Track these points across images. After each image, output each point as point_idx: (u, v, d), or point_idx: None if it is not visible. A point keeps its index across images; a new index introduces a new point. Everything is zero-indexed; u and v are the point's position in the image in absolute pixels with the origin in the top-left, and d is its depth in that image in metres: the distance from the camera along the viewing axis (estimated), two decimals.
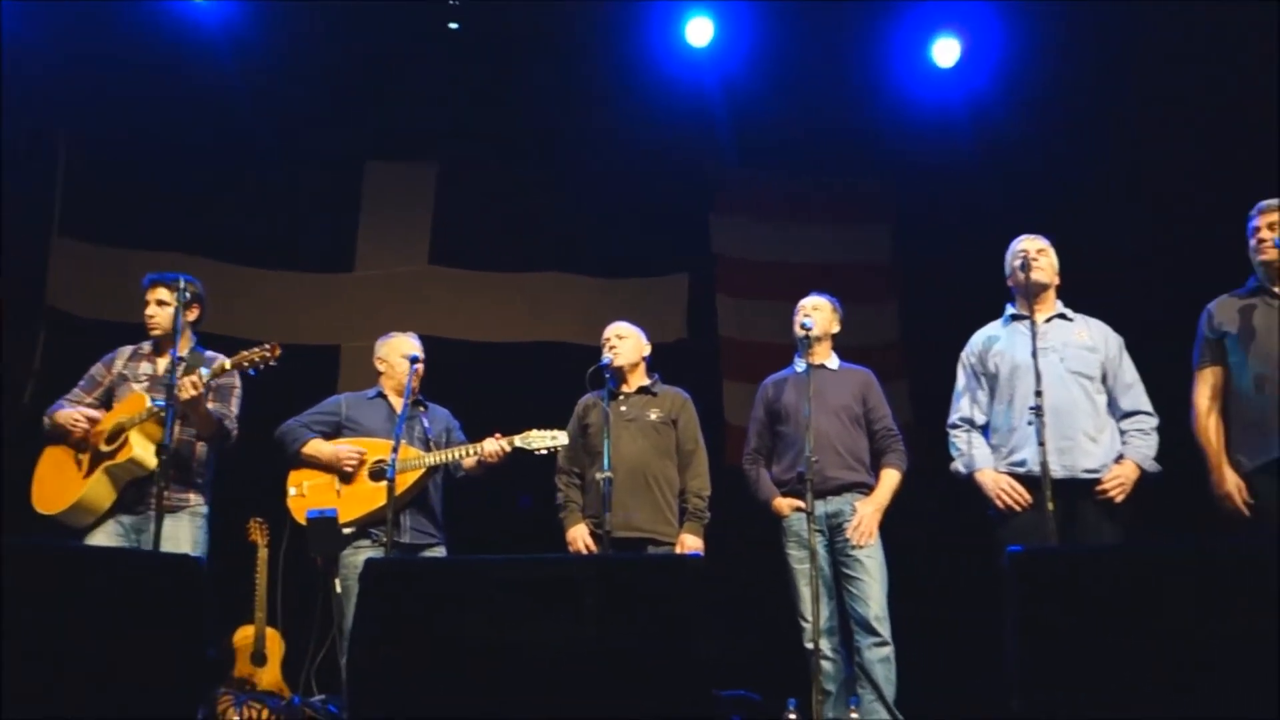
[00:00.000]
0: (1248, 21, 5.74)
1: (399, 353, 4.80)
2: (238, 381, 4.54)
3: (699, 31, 6.46)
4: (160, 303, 4.47)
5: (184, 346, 4.39)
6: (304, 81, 6.59)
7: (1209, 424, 4.14)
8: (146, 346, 4.58)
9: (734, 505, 4.92)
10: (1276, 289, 4.07)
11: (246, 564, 5.64)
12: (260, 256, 6.83)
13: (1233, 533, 4.03)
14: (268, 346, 4.30)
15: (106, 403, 4.48)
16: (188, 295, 4.35)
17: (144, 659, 2.55)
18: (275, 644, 5.62)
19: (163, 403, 4.13)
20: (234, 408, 4.52)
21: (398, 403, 4.72)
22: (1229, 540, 3.95)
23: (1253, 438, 4.01)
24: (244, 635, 5.58)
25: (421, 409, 4.76)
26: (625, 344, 4.78)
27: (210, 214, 6.63)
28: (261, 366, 4.30)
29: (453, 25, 6.45)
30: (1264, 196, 4.19)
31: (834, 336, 4.85)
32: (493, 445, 4.48)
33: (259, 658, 5.55)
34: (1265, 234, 4.07)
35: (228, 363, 4.31)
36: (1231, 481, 4.02)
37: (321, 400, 4.85)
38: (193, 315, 4.51)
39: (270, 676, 5.54)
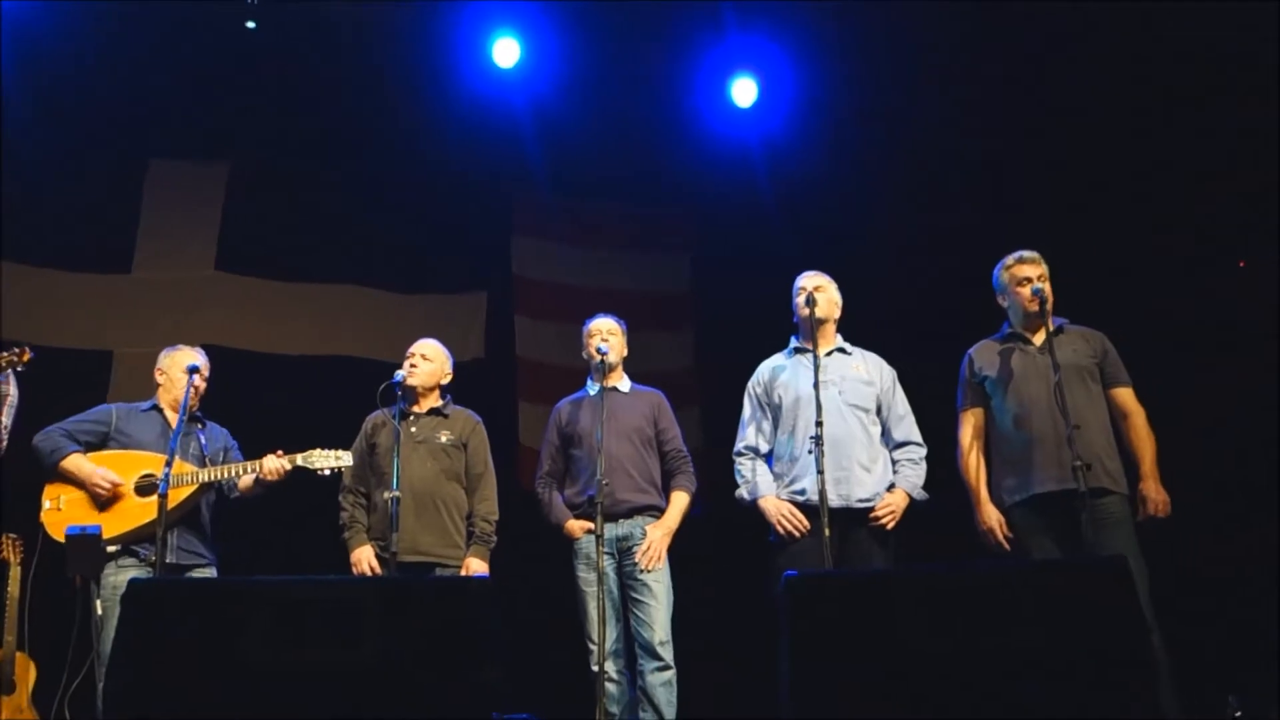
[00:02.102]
0: (1027, 67, 6.18)
1: (180, 367, 4.59)
2: (11, 390, 4.26)
3: (505, 52, 6.44)
4: None
5: None
6: (87, 74, 6.20)
7: (971, 461, 4.41)
8: None
9: (526, 526, 4.90)
10: (1030, 336, 4.38)
11: None
12: (27, 252, 6.35)
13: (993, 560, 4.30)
14: (16, 351, 4.10)
15: None
16: None
17: None
18: (25, 669, 5.26)
19: None
20: (4, 417, 4.24)
21: (173, 417, 4.54)
22: (989, 566, 4.20)
23: (1012, 475, 4.30)
24: None
25: (199, 425, 4.57)
26: (427, 366, 4.69)
27: None
28: (9, 372, 4.08)
29: (250, 25, 6.22)
30: (1028, 245, 4.46)
31: (625, 359, 4.91)
32: (272, 463, 4.34)
33: (7, 684, 5.19)
34: (1037, 284, 4.29)
35: None
36: (993, 516, 4.29)
37: (88, 408, 4.57)
38: None
39: (19, 704, 5.18)
